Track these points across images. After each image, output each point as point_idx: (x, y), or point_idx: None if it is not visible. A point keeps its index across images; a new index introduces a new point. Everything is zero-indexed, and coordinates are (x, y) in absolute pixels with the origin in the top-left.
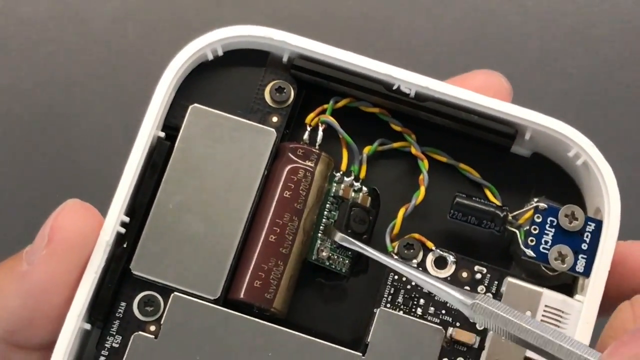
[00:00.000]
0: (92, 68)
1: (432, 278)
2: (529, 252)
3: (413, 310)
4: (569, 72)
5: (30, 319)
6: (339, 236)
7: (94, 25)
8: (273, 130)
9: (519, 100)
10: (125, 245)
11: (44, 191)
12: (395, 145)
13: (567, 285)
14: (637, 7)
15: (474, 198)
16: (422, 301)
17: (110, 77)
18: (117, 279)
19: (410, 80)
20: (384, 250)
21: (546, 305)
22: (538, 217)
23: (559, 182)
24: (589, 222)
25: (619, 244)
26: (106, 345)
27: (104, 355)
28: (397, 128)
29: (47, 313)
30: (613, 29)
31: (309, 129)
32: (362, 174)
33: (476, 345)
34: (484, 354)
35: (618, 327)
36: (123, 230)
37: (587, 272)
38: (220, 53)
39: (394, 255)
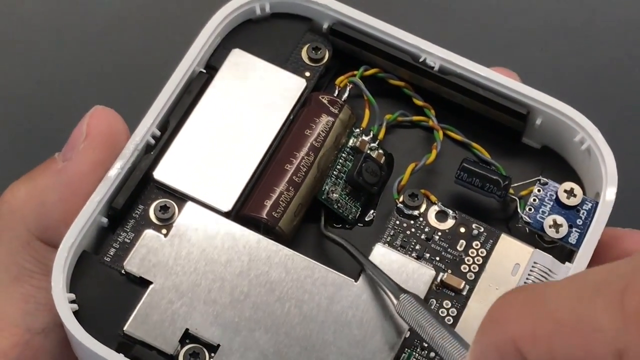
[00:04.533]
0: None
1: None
2: (526, 218)
3: (409, 253)
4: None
5: (66, 212)
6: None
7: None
8: (304, 80)
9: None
10: (152, 153)
11: None
12: (415, 118)
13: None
14: None
15: (480, 164)
16: (418, 246)
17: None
18: (138, 183)
19: (437, 53)
20: (389, 201)
21: (535, 262)
22: (539, 190)
23: (563, 173)
24: (586, 201)
25: (614, 229)
26: (118, 239)
27: (114, 247)
28: (419, 103)
29: (81, 205)
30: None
31: (337, 89)
32: (381, 136)
33: (464, 293)
34: (470, 301)
35: None
36: (152, 141)
37: (578, 244)
38: (267, 10)
39: (398, 203)
